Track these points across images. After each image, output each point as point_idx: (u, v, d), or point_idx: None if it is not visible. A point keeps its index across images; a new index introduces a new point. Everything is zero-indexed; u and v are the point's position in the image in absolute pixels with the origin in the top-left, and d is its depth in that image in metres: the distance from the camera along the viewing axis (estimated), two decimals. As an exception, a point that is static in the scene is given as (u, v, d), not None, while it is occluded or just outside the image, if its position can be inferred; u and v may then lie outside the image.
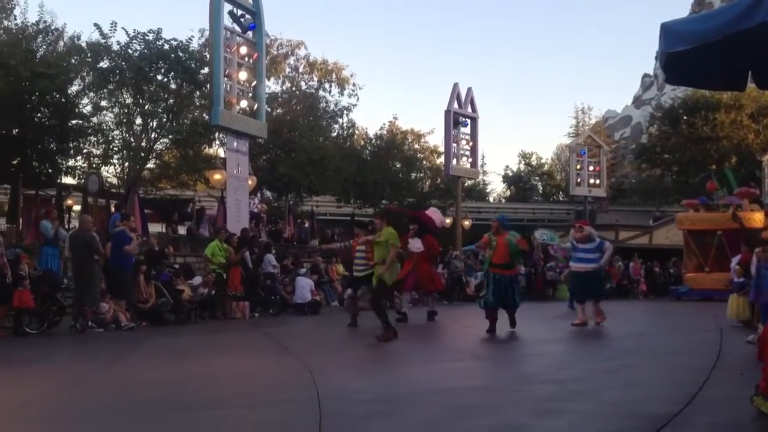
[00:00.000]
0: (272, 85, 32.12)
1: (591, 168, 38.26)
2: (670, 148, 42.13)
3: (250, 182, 21.79)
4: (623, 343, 10.54)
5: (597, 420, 5.01)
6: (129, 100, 22.43)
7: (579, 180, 37.93)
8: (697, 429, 4.80)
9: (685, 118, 41.91)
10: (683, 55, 5.56)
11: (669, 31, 5.67)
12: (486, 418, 5.22)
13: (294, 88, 33.26)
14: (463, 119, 32.43)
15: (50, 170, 22.19)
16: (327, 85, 34.74)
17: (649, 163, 44.52)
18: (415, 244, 14.63)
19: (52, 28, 21.79)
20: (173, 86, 22.82)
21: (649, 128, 46.96)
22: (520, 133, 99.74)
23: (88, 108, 22.83)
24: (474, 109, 33.21)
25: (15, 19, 21.46)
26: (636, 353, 9.22)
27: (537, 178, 56.35)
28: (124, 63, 21.63)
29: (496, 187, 58.20)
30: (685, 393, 5.79)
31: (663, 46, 5.69)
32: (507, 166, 57.64)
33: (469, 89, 32.88)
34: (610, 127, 58.05)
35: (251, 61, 20.97)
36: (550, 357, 8.70)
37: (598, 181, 38.31)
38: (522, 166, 56.46)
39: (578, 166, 38.04)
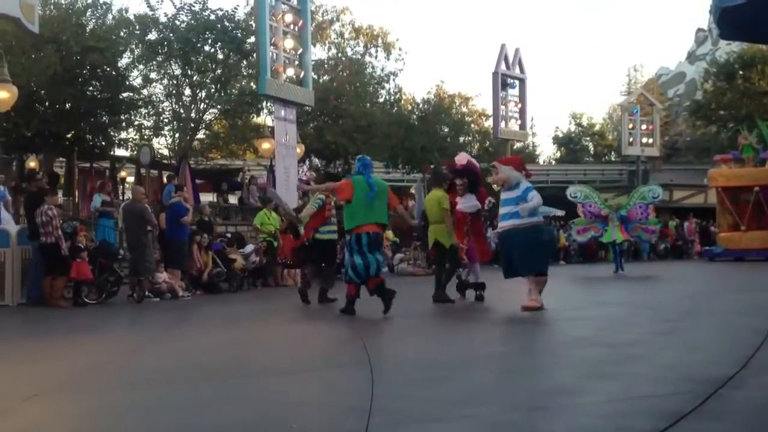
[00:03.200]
0: (318, 52, 32.06)
1: (644, 127, 37.44)
2: (726, 104, 41.01)
3: (298, 150, 21.89)
4: (678, 304, 10.39)
5: (651, 383, 4.95)
6: (177, 72, 22.72)
7: (631, 139, 37.17)
8: (753, 390, 4.72)
9: (740, 72, 40.74)
10: (737, 9, 5.39)
11: (722, -15, 5.51)
12: (539, 382, 5.22)
13: (340, 55, 33.14)
14: (512, 81, 32.01)
15: (103, 143, 22.75)
16: (373, 51, 34.52)
17: (704, 120, 43.40)
18: (470, 201, 11.28)
19: (101, 2, 22.10)
20: (220, 56, 23.03)
21: (703, 84, 45.72)
22: (571, 93, 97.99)
23: (138, 80, 23.29)
24: (522, 70, 32.73)
25: (65, -6, 21.80)
26: (691, 315, 9.09)
27: (588, 138, 55.40)
28: (171, 35, 21.91)
29: (546, 149, 57.40)
30: (741, 355, 5.69)
31: (717, 1, 5.52)
32: (557, 128, 56.64)
33: (517, 50, 32.40)
34: (664, 85, 56.58)
35: (296, 28, 20.93)
36: (602, 320, 8.63)
37: (651, 140, 37.48)
38: (572, 127, 55.54)
39: (630, 125, 37.26)
